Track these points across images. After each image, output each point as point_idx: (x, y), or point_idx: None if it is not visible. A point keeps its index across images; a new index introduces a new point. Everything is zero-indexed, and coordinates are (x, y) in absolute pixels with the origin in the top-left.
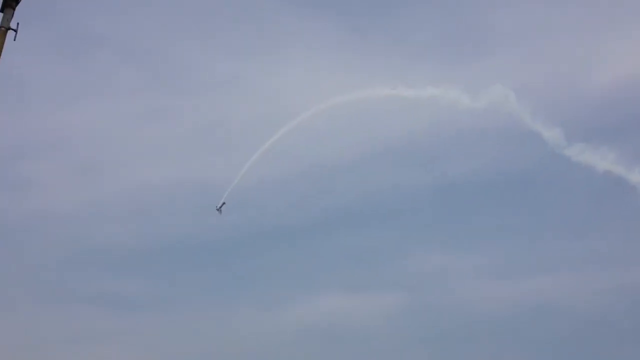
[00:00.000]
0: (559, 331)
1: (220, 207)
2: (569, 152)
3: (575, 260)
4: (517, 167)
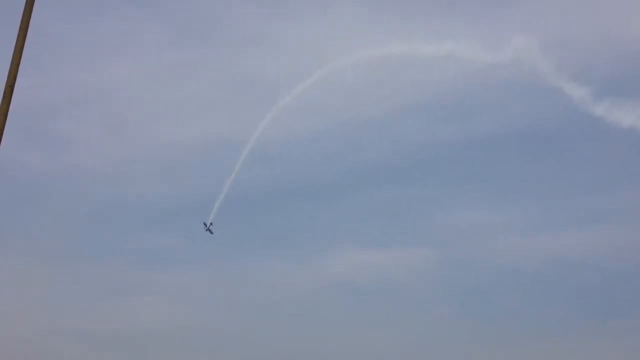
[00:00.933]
0: (587, 285)
1: (209, 227)
2: (596, 107)
3: (603, 215)
4: (544, 123)
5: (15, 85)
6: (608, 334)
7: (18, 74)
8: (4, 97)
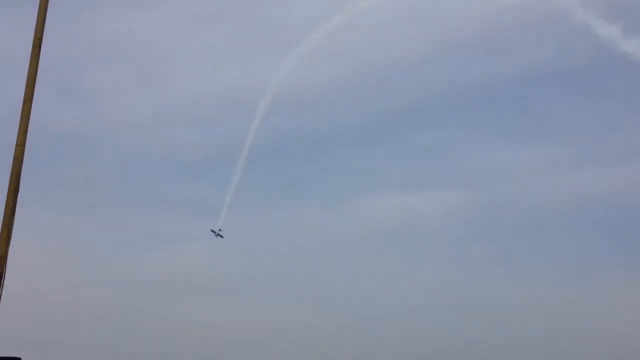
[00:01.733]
0: (619, 223)
1: (218, 232)
2: (626, 44)
3: (635, 152)
4: (574, 61)
5: (44, 40)
6: None
7: (45, 27)
8: (32, 50)
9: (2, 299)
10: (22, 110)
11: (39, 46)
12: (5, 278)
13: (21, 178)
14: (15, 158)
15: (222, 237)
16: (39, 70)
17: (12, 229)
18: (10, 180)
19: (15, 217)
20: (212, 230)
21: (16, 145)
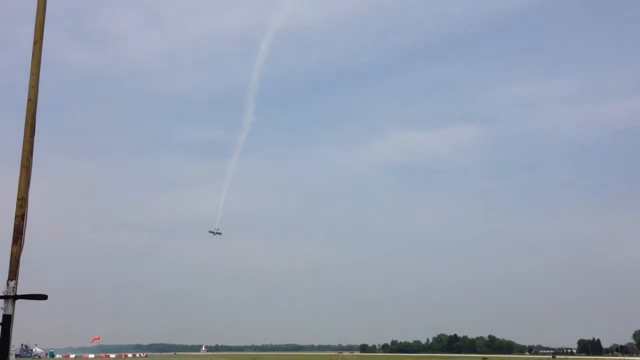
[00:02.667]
0: None
1: (216, 231)
2: None
3: None
4: None
5: None
6: None
7: None
8: None
9: (25, 241)
10: (33, 52)
11: None
12: (28, 220)
13: (36, 121)
14: (29, 100)
15: (220, 234)
16: (48, 13)
17: (30, 170)
18: (25, 121)
19: (33, 160)
20: (210, 231)
21: (29, 86)
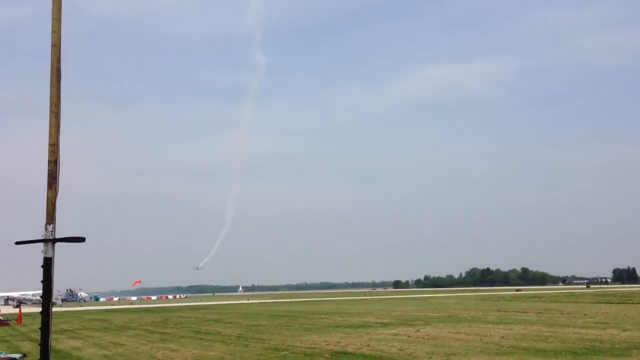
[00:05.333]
0: None
1: (199, 267)
2: None
3: None
4: None
5: None
6: None
7: None
8: None
9: (59, 187)
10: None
11: None
12: (60, 165)
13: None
14: (53, 45)
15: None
16: None
17: (59, 116)
18: (51, 67)
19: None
20: (196, 268)
21: (52, 32)
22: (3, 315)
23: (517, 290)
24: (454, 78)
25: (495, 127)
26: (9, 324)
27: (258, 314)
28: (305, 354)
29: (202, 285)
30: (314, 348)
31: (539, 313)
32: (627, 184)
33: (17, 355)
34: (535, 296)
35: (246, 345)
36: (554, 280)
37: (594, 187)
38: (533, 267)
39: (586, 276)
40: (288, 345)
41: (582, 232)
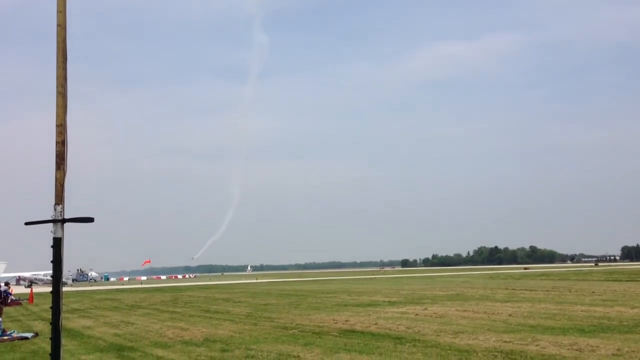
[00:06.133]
0: None
1: (194, 258)
2: None
3: None
4: None
5: None
6: None
7: None
8: None
9: (68, 168)
10: None
11: None
12: (69, 145)
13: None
14: (58, 25)
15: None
16: None
17: (66, 96)
18: (57, 47)
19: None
20: (192, 258)
21: (57, 11)
22: (15, 295)
23: (525, 268)
24: (460, 56)
25: (504, 104)
26: (21, 304)
27: (267, 293)
28: (313, 332)
29: (211, 265)
30: (323, 326)
31: (547, 291)
32: (636, 162)
33: (29, 334)
34: (543, 274)
35: (255, 324)
36: (563, 259)
37: (603, 165)
38: (541, 246)
39: (595, 254)
40: (297, 324)
41: (591, 210)
